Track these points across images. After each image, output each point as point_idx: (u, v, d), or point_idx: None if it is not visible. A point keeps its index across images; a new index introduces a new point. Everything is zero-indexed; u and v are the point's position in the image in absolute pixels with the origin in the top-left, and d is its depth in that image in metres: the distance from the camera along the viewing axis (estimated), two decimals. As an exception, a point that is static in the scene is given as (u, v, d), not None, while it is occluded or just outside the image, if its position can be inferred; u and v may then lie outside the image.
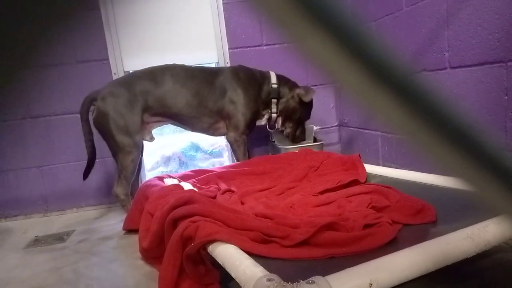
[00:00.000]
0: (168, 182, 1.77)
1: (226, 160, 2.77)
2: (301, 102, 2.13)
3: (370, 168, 1.75)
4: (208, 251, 1.04)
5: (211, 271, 1.10)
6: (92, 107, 1.97)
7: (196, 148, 3.07)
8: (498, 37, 1.32)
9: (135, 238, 1.64)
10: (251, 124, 2.13)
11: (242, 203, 1.48)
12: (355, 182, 1.59)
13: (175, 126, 2.21)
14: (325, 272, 0.77)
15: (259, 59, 2.43)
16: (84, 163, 2.02)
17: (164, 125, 2.19)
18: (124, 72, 2.37)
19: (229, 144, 2.21)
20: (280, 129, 2.23)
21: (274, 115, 2.17)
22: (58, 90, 2.31)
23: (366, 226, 1.06)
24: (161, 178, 1.85)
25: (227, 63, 2.43)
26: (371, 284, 0.75)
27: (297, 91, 2.14)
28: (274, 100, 2.14)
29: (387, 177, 1.63)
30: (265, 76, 2.16)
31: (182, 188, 1.56)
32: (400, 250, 0.86)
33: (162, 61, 2.09)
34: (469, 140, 0.29)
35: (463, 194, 1.15)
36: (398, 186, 1.41)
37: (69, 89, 2.31)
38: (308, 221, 1.13)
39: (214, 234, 1.03)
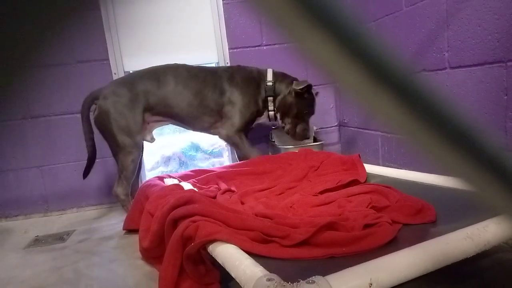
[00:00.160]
0: (168, 182, 1.77)
1: (226, 160, 2.77)
2: (298, 97, 2.08)
3: (370, 168, 1.75)
4: (208, 251, 1.04)
5: (211, 271, 1.10)
6: (93, 106, 1.97)
7: (196, 148, 3.07)
8: (497, 37, 1.32)
9: (135, 238, 1.64)
10: (248, 124, 2.12)
11: (242, 203, 1.48)
12: (355, 182, 1.59)
13: (175, 126, 2.21)
14: (325, 272, 0.77)
15: (259, 59, 2.43)
16: (84, 163, 2.02)
17: (165, 125, 2.19)
18: (124, 72, 2.37)
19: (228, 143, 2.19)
20: (281, 126, 2.21)
21: (271, 113, 2.15)
22: (58, 90, 2.31)
23: (366, 226, 1.06)
24: (161, 178, 1.85)
25: (227, 63, 2.43)
26: (371, 284, 0.75)
27: (292, 85, 2.10)
28: (270, 98, 2.12)
29: (387, 177, 1.63)
30: (263, 74, 2.15)
31: (182, 188, 1.56)
32: (400, 250, 0.86)
33: (162, 61, 2.09)
34: (469, 140, 0.29)
35: (463, 194, 1.15)
36: (398, 186, 1.41)
37: (69, 89, 2.31)
38: (308, 221, 1.13)
39: (214, 234, 1.03)
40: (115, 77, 2.34)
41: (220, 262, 0.97)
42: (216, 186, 1.75)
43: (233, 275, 0.88)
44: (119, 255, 1.58)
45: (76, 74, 2.31)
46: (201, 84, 2.03)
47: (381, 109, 0.28)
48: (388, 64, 0.26)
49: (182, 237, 1.08)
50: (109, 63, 2.34)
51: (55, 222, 2.23)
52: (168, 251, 1.10)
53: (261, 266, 0.85)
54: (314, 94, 2.15)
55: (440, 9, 1.57)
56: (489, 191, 0.32)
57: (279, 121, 2.19)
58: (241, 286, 0.83)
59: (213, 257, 1.02)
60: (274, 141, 2.31)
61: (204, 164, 2.95)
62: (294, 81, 2.10)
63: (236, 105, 2.06)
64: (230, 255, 0.94)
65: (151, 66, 2.07)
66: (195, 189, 1.62)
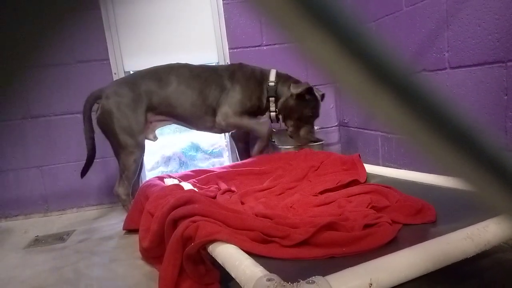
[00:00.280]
0: (168, 182, 1.77)
1: (226, 160, 2.77)
2: (299, 99, 2.04)
3: (370, 168, 1.75)
4: (208, 251, 1.04)
5: (211, 271, 1.10)
6: (95, 106, 1.97)
7: (196, 148, 3.07)
8: (497, 37, 1.32)
9: (135, 238, 1.64)
10: (249, 113, 2.07)
11: (242, 203, 1.48)
12: (355, 182, 1.59)
13: (175, 126, 2.21)
14: (325, 272, 0.77)
15: (259, 59, 2.43)
16: (84, 164, 2.02)
17: (168, 125, 2.18)
18: (125, 72, 2.37)
19: (236, 139, 2.14)
20: (285, 129, 2.19)
21: (273, 113, 2.12)
22: (58, 90, 2.31)
23: (366, 226, 1.06)
24: (161, 178, 1.85)
25: (227, 63, 2.43)
26: (371, 284, 0.75)
27: (291, 86, 2.05)
28: (272, 99, 2.09)
29: (387, 177, 1.63)
30: (265, 74, 2.12)
31: (182, 188, 1.56)
32: (400, 250, 0.86)
33: (162, 61, 2.09)
34: (469, 140, 0.29)
35: (463, 194, 1.15)
36: (398, 186, 1.41)
37: (69, 89, 2.31)
38: (308, 221, 1.13)
39: (214, 234, 1.03)
40: (115, 77, 2.34)
41: (220, 262, 0.97)
42: (216, 186, 1.75)
43: (233, 275, 0.88)
44: (119, 255, 1.58)
45: (76, 74, 2.31)
46: (203, 84, 2.03)
47: (381, 109, 0.28)
48: (388, 64, 0.26)
49: (182, 237, 1.08)
50: (109, 63, 2.34)
51: (55, 222, 2.23)
52: (168, 251, 1.10)
53: (261, 266, 0.85)
54: (318, 96, 2.10)
55: (440, 9, 1.57)
56: (489, 191, 0.32)
57: (282, 123, 2.17)
58: (241, 286, 0.83)
59: (213, 257, 1.02)
60: (274, 141, 2.31)
61: (204, 164, 2.95)
62: (292, 84, 2.06)
63: (235, 96, 2.03)
64: (230, 255, 0.94)
65: (151, 66, 2.07)
66: (195, 189, 1.62)
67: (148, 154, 2.67)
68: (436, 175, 1.45)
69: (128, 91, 1.94)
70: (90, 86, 2.28)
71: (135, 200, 1.78)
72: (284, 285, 0.74)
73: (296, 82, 2.10)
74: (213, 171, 1.92)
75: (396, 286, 0.79)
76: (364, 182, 1.60)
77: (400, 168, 1.89)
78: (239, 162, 2.10)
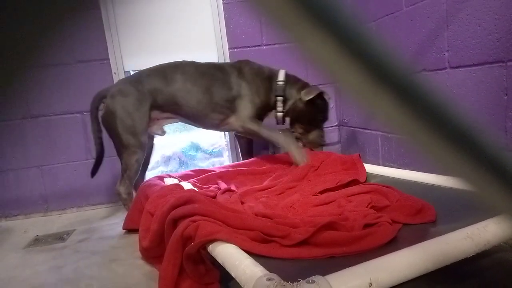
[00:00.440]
0: (168, 181, 1.77)
1: (226, 159, 2.77)
2: (309, 104, 2.00)
3: (370, 168, 1.75)
4: (208, 250, 1.04)
5: (211, 270, 1.10)
6: (102, 105, 1.97)
7: (196, 147, 3.07)
8: (497, 37, 1.32)
9: (135, 237, 1.64)
10: (259, 112, 2.03)
11: (242, 203, 1.48)
12: (354, 182, 1.59)
13: (175, 126, 2.21)
14: (325, 271, 0.77)
15: (259, 59, 2.42)
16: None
17: (174, 122, 2.15)
18: (125, 72, 2.37)
19: (239, 136, 2.08)
20: (292, 131, 2.11)
21: (279, 114, 2.07)
22: (58, 90, 2.31)
23: (366, 225, 1.06)
24: (161, 178, 1.85)
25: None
26: (371, 284, 0.75)
27: (302, 92, 2.01)
28: (279, 98, 2.04)
29: (387, 177, 1.63)
30: (274, 73, 2.08)
31: (182, 187, 1.56)
32: (400, 250, 0.86)
33: (162, 61, 2.08)
34: (469, 140, 0.29)
35: (463, 194, 1.15)
36: (398, 186, 1.41)
37: (69, 89, 2.31)
38: (308, 221, 1.13)
39: (214, 234, 1.03)
40: (115, 77, 2.34)
41: (220, 262, 0.97)
42: (216, 186, 1.75)
43: (233, 274, 0.88)
44: (119, 255, 1.58)
45: (76, 74, 2.31)
46: (209, 81, 2.00)
47: (381, 109, 0.28)
48: (388, 64, 0.26)
49: (182, 237, 1.08)
50: (109, 63, 2.34)
51: (55, 221, 2.23)
52: (168, 250, 1.10)
53: (261, 266, 0.85)
54: (327, 99, 2.06)
55: (440, 9, 1.57)
56: (489, 191, 0.32)
57: (287, 124, 2.12)
58: (241, 286, 0.83)
59: (213, 257, 1.02)
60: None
61: (204, 164, 2.95)
62: (303, 88, 2.01)
63: (245, 96, 2.00)
64: (230, 255, 0.94)
65: (151, 66, 2.06)
66: (195, 188, 1.62)
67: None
68: (436, 175, 1.45)
69: (133, 90, 1.93)
70: (90, 86, 2.29)
71: (135, 199, 1.78)
72: (284, 285, 0.74)
73: (305, 85, 2.07)
74: (213, 171, 1.92)
75: (396, 285, 0.79)
76: (364, 182, 1.60)
77: (400, 168, 1.89)
78: (240, 162, 2.10)
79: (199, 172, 1.93)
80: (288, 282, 0.74)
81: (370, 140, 2.28)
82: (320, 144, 2.07)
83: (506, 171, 0.31)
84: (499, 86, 1.34)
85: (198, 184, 1.75)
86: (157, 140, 2.20)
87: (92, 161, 2.08)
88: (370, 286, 0.75)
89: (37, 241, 1.89)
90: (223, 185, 1.72)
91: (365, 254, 0.92)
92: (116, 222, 2.02)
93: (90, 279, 1.37)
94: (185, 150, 3.06)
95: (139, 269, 1.42)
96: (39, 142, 2.33)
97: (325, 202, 1.40)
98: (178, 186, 1.58)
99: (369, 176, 1.66)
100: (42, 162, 2.35)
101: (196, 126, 2.14)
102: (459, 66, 1.51)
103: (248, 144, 2.31)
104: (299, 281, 0.74)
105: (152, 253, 1.37)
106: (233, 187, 1.71)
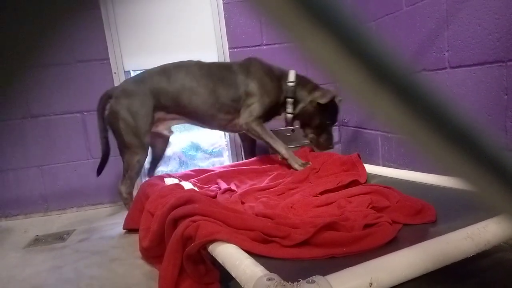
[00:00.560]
0: (169, 181, 1.77)
1: (226, 159, 2.77)
2: (320, 106, 1.96)
3: (370, 168, 1.75)
4: (209, 250, 1.04)
5: (212, 270, 1.10)
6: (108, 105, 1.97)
7: (196, 147, 3.07)
8: (497, 37, 1.32)
9: (135, 237, 1.64)
10: (267, 112, 1.98)
11: (243, 203, 1.48)
12: (355, 183, 1.58)
13: (174, 126, 2.20)
14: (325, 271, 0.77)
15: (259, 58, 2.42)
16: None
17: (180, 123, 2.14)
18: (125, 71, 2.37)
19: (244, 132, 2.02)
20: (303, 135, 2.11)
21: (289, 115, 2.03)
22: (58, 90, 2.31)
23: (366, 226, 1.06)
24: (161, 178, 1.85)
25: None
26: (371, 284, 0.75)
27: (315, 95, 1.97)
28: (289, 100, 2.00)
29: (387, 177, 1.62)
30: (284, 73, 2.04)
31: (182, 187, 1.56)
32: (400, 250, 0.86)
33: (162, 61, 2.08)
34: (469, 139, 0.29)
35: (463, 194, 1.15)
36: (398, 186, 1.41)
37: (69, 89, 2.31)
38: (308, 221, 1.13)
39: (214, 234, 1.03)
40: (115, 77, 2.34)
41: (220, 262, 0.97)
42: (217, 185, 1.75)
43: (233, 274, 0.88)
44: (119, 255, 1.58)
45: (76, 74, 2.31)
46: (215, 81, 1.96)
47: (381, 108, 0.28)
48: (388, 63, 0.26)
49: (182, 237, 1.08)
50: (109, 63, 2.34)
51: (55, 221, 2.23)
52: (168, 250, 1.10)
53: (261, 266, 0.85)
54: (338, 102, 2.03)
55: (440, 8, 1.57)
56: (489, 190, 0.32)
57: (295, 125, 2.11)
58: (241, 286, 0.83)
59: (213, 257, 1.02)
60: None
61: (204, 164, 2.95)
62: (316, 91, 1.98)
63: (253, 96, 1.95)
64: (231, 255, 0.94)
65: (151, 65, 2.05)
66: (195, 188, 1.62)
67: (149, 154, 2.67)
68: (436, 175, 1.45)
69: (136, 90, 1.93)
70: (90, 86, 2.29)
71: (135, 199, 1.78)
72: (284, 285, 0.74)
73: (315, 86, 2.04)
74: (213, 171, 1.91)
75: (396, 285, 0.79)
76: (365, 183, 1.60)
77: (400, 168, 1.89)
78: (240, 162, 2.10)
79: (199, 172, 1.93)
80: (288, 282, 0.74)
81: (370, 140, 2.28)
82: (328, 147, 2.06)
83: (506, 171, 0.31)
84: (499, 86, 1.34)
85: (198, 184, 1.75)
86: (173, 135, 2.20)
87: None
88: (370, 286, 0.75)
89: (37, 241, 1.89)
90: (223, 185, 1.72)
91: (365, 254, 0.92)
92: (116, 222, 2.02)
93: (90, 279, 1.37)
94: (185, 150, 3.06)
95: (139, 269, 1.42)
96: (39, 142, 2.33)
97: (326, 203, 1.39)
98: (178, 186, 1.58)
99: (369, 176, 1.66)
100: (42, 162, 2.35)
101: (203, 127, 2.12)
102: (459, 66, 1.51)
103: (251, 144, 2.30)
104: (299, 281, 0.74)
105: (152, 253, 1.37)
106: (233, 187, 1.71)
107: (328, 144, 2.06)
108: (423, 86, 0.27)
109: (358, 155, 1.80)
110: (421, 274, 0.82)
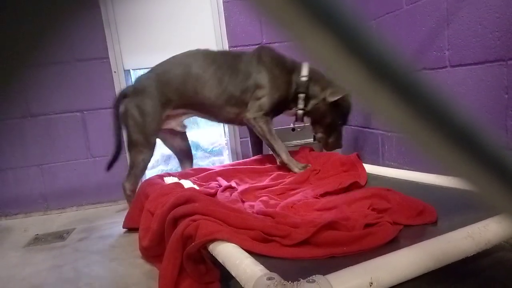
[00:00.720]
0: (168, 180, 1.76)
1: (226, 158, 2.77)
2: (332, 105, 1.87)
3: (370, 168, 1.74)
4: (209, 250, 1.04)
5: (212, 270, 1.10)
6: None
7: (196, 146, 3.07)
8: (498, 36, 1.32)
9: (135, 236, 1.64)
10: (276, 107, 1.91)
11: (243, 201, 1.48)
12: (355, 184, 1.56)
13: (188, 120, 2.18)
14: (325, 271, 0.77)
15: (259, 57, 2.42)
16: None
17: (190, 117, 2.12)
18: (124, 70, 2.37)
19: (250, 126, 1.97)
20: (313, 133, 2.05)
21: (300, 111, 1.94)
22: (58, 89, 2.31)
23: (367, 225, 1.05)
24: (161, 177, 1.85)
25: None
26: (372, 283, 0.75)
27: (327, 92, 1.87)
28: (301, 95, 1.90)
29: (387, 177, 1.62)
30: (296, 66, 1.93)
31: (182, 186, 1.56)
32: (401, 249, 0.86)
33: (162, 60, 2.07)
34: (469, 138, 0.29)
35: (464, 193, 1.15)
36: (399, 187, 1.40)
37: (68, 88, 2.31)
38: (309, 221, 1.13)
39: (214, 233, 1.03)
40: (115, 76, 2.34)
41: (220, 261, 0.97)
42: (216, 182, 1.74)
43: (233, 274, 0.88)
44: (119, 254, 1.58)
45: (76, 73, 2.31)
46: (223, 71, 1.91)
47: (382, 107, 0.27)
48: (388, 62, 0.26)
49: (182, 236, 1.08)
50: (109, 62, 2.34)
51: (55, 220, 2.23)
52: (168, 250, 1.10)
53: (261, 265, 0.85)
54: (350, 101, 1.93)
55: (440, 7, 1.56)
56: (489, 190, 0.32)
57: (305, 122, 2.05)
58: (241, 285, 0.83)
59: (213, 256, 1.02)
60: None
61: (204, 163, 2.95)
62: (328, 87, 1.88)
63: (263, 88, 1.87)
64: (231, 254, 0.94)
65: (151, 64, 2.04)
66: (195, 186, 1.62)
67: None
68: (436, 175, 1.45)
69: (145, 86, 1.93)
70: (89, 85, 2.29)
71: (135, 198, 1.78)
72: (284, 284, 0.74)
73: (329, 83, 1.91)
74: (213, 170, 1.91)
75: (397, 285, 0.79)
76: (365, 184, 1.59)
77: (401, 167, 1.89)
78: (240, 161, 2.09)
79: (198, 171, 1.93)
80: (288, 282, 0.74)
81: (370, 139, 2.28)
82: (337, 147, 2.02)
83: (507, 170, 0.31)
84: (499, 85, 1.34)
85: (198, 182, 1.75)
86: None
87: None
88: (370, 286, 0.75)
89: (37, 240, 1.89)
90: (223, 182, 1.72)
91: (366, 253, 0.92)
92: (116, 221, 2.02)
93: (90, 278, 1.37)
94: (185, 149, 3.05)
95: (139, 268, 1.42)
96: (39, 141, 2.33)
97: (326, 208, 1.38)
98: (178, 185, 1.58)
99: (369, 176, 1.65)
100: (41, 161, 2.35)
101: (212, 120, 2.09)
102: (460, 65, 1.51)
103: (259, 139, 2.26)
104: (299, 280, 0.74)
105: (152, 252, 1.37)
106: (233, 184, 1.71)
107: (337, 144, 2.00)
108: (423, 85, 0.27)
109: (358, 155, 1.79)
110: (422, 274, 0.82)
